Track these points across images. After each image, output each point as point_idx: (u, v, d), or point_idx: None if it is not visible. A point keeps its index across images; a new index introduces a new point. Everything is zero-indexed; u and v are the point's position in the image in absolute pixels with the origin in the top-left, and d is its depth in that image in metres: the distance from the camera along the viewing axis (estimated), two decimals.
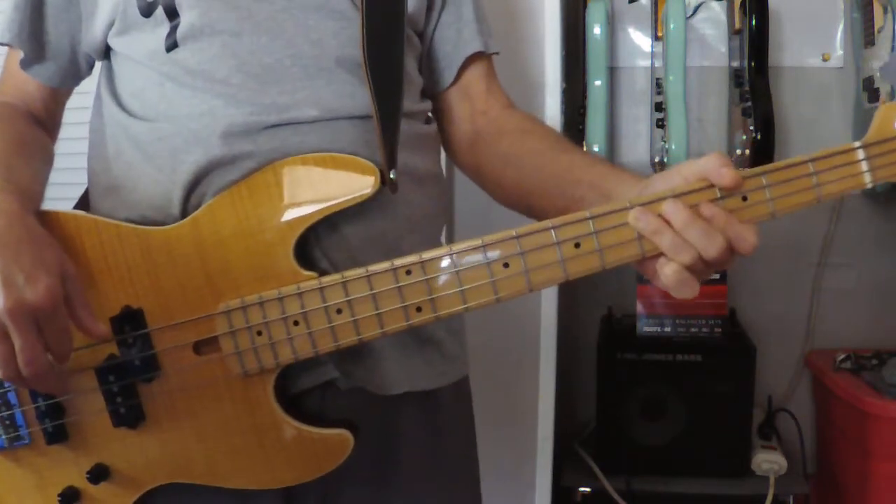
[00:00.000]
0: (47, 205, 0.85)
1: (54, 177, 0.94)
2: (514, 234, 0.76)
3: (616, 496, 1.72)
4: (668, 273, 0.73)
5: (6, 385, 0.82)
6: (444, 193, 1.01)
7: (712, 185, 0.73)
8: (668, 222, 0.73)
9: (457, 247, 0.77)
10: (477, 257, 0.77)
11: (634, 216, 0.74)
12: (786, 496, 1.71)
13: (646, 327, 1.80)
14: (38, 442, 0.83)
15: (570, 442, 1.91)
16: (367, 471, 0.89)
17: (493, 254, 0.77)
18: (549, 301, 1.68)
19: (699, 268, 0.73)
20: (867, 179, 0.74)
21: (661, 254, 0.74)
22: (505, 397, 1.72)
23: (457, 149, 1.03)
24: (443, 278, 0.77)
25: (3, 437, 0.83)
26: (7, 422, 0.83)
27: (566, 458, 1.87)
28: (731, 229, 0.72)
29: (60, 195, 0.96)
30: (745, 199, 0.74)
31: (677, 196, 0.74)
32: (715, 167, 0.73)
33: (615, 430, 1.78)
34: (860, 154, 0.74)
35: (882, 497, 1.67)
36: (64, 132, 1.04)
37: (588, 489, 1.77)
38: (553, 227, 0.76)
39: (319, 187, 0.81)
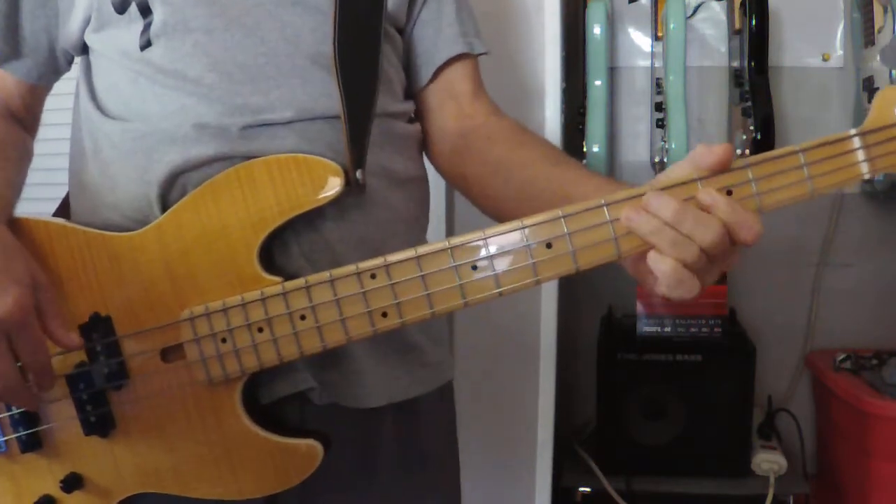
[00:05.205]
0: (34, 205, 0.84)
1: (43, 177, 0.93)
2: (482, 234, 0.72)
3: (616, 496, 1.72)
4: (663, 270, 0.68)
5: None
6: (428, 195, 0.99)
7: (694, 180, 0.69)
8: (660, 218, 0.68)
9: (422, 249, 0.73)
10: (443, 260, 0.73)
11: (626, 216, 0.69)
12: (786, 496, 1.71)
13: (646, 327, 1.79)
14: (14, 450, 0.82)
15: (570, 442, 1.90)
16: (345, 478, 0.87)
17: (460, 257, 0.73)
18: (548, 301, 1.68)
19: (700, 265, 0.68)
20: (864, 170, 0.68)
21: (646, 251, 0.69)
22: (505, 397, 1.72)
23: (439, 150, 0.99)
24: (409, 282, 0.74)
25: None
26: None
27: (566, 458, 1.87)
28: (733, 216, 0.67)
29: (49, 195, 0.96)
30: (729, 193, 0.69)
31: (659, 190, 0.69)
32: (702, 151, 0.69)
33: (615, 430, 1.78)
34: (856, 142, 0.68)
35: (882, 497, 1.67)
36: (52, 132, 1.03)
37: (588, 489, 1.77)
38: (523, 228, 0.71)
39: (282, 190, 0.78)
